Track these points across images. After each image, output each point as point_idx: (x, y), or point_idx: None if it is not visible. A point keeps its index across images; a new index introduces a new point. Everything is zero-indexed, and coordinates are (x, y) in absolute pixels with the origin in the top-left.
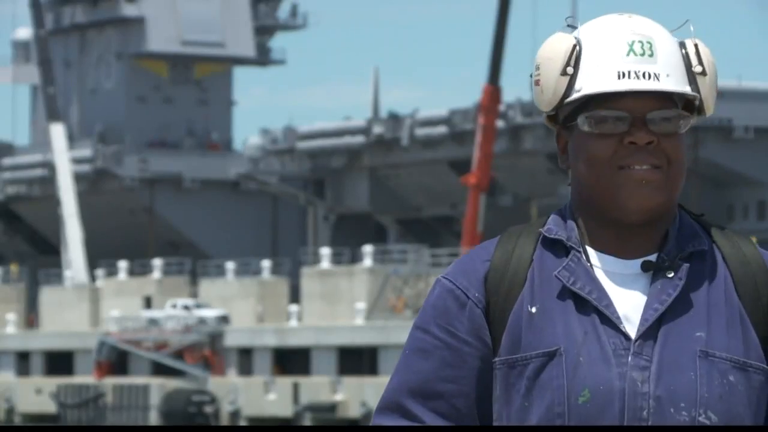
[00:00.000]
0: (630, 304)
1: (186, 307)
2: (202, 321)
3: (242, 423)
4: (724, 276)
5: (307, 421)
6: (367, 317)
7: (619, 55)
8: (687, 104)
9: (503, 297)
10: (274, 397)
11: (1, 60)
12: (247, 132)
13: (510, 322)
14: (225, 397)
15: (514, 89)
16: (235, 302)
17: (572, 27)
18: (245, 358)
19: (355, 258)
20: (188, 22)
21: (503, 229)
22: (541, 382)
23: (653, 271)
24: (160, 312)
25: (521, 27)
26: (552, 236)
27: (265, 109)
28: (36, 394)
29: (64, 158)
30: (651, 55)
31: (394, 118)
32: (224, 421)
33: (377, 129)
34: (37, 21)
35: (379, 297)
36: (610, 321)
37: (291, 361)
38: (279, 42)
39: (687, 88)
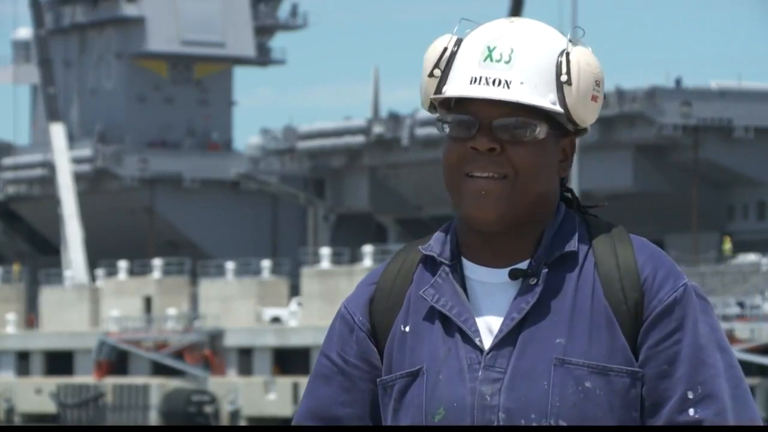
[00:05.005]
0: (495, 316)
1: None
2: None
3: (242, 423)
4: (593, 279)
5: None
6: None
7: (476, 61)
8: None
9: (385, 318)
10: (274, 397)
11: (1, 60)
12: (248, 132)
13: (387, 343)
14: (225, 397)
15: None
16: (235, 302)
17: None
18: (245, 358)
19: (355, 258)
20: (188, 22)
21: None
22: (405, 402)
23: (522, 279)
24: (283, 310)
25: None
26: (427, 252)
27: (265, 109)
28: (36, 394)
29: (64, 158)
30: (508, 62)
31: (394, 118)
32: (224, 421)
33: (377, 129)
34: (37, 21)
35: None
36: (468, 336)
37: (291, 361)
38: (279, 42)
39: (544, 99)
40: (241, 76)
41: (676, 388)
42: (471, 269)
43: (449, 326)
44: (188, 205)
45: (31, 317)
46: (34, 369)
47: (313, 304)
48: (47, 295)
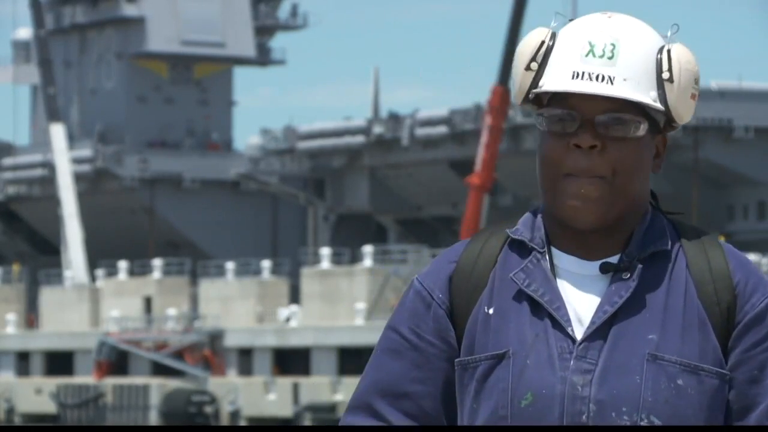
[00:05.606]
0: (586, 307)
1: None
2: None
3: (242, 423)
4: (685, 279)
5: (307, 421)
6: (367, 317)
7: (579, 56)
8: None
9: (466, 298)
10: (274, 397)
11: (1, 60)
12: (247, 132)
13: (469, 323)
14: (225, 397)
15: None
16: (234, 302)
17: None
18: (245, 358)
19: (355, 258)
20: (188, 22)
21: None
22: (488, 385)
23: (612, 273)
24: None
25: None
26: (516, 237)
27: (265, 109)
28: (36, 394)
29: (64, 158)
30: (611, 58)
31: (394, 118)
32: (224, 421)
33: (377, 129)
34: (37, 21)
35: (379, 297)
36: (559, 324)
37: (291, 361)
38: (279, 42)
39: (646, 96)
40: (241, 76)
41: (766, 394)
42: (559, 258)
43: (538, 312)
44: (188, 205)
45: (31, 317)
46: (34, 369)
47: (313, 304)
48: (47, 295)
